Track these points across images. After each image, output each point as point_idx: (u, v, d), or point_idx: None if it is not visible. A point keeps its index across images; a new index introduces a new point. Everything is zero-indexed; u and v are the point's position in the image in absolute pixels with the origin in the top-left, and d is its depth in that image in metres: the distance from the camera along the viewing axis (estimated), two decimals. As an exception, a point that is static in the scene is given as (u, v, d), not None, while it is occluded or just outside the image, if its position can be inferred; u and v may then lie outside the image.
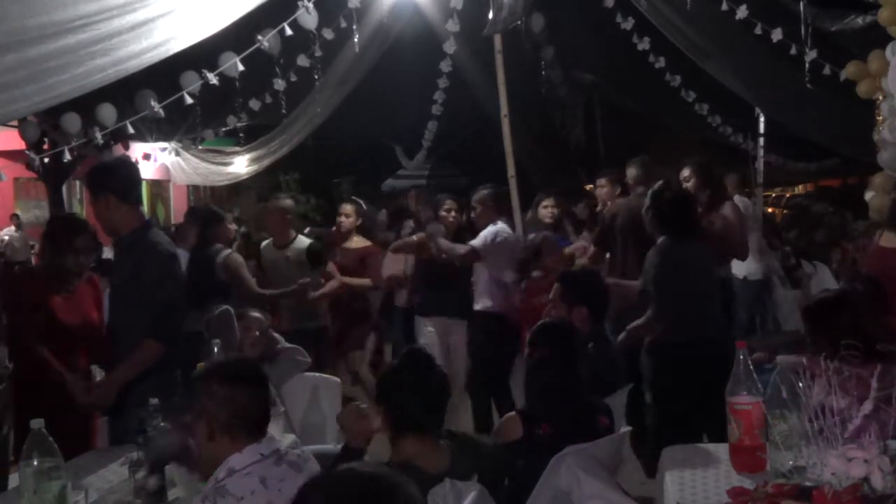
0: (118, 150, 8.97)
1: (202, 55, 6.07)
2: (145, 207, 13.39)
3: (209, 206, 9.45)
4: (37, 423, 2.53)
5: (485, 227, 5.87)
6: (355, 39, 6.83)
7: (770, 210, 14.37)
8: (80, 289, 4.20)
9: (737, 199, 6.42)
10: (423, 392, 2.70)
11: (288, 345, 4.55)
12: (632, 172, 5.95)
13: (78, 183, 12.56)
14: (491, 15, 6.44)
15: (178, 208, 13.54)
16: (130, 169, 4.03)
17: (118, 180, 3.72)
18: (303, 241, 6.15)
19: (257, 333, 4.23)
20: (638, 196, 5.54)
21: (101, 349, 4.04)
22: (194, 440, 2.48)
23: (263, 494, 2.26)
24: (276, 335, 4.55)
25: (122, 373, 3.57)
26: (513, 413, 3.28)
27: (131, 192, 3.77)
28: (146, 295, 3.55)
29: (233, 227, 6.27)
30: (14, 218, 14.20)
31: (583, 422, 3.20)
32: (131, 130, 7.15)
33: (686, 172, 5.75)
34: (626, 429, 3.25)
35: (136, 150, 10.25)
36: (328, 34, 6.87)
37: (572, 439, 2.91)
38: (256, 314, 4.34)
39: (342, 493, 1.47)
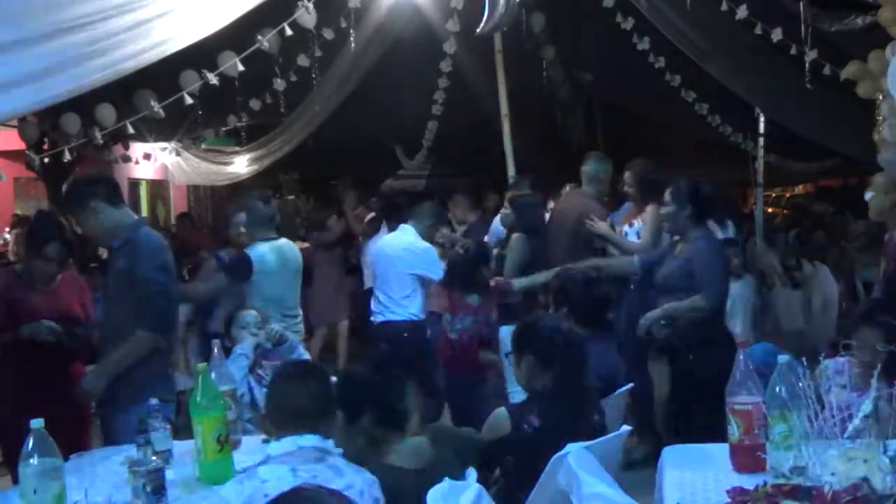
0: (118, 150, 8.96)
1: (202, 55, 6.06)
2: (145, 207, 13.37)
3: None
4: (37, 423, 2.53)
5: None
6: (352, 39, 6.83)
7: (770, 210, 14.40)
8: (62, 285, 4.19)
9: None
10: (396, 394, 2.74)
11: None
12: (627, 176, 5.81)
13: (78, 183, 12.50)
14: (486, 13, 6.40)
15: (178, 208, 13.49)
16: (107, 175, 4.17)
17: (101, 186, 3.78)
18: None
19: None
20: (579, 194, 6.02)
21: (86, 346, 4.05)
22: None
23: (289, 483, 2.27)
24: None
25: (113, 362, 3.58)
26: (501, 408, 3.29)
27: (116, 195, 3.82)
28: (138, 288, 3.58)
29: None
30: (14, 217, 14.14)
31: (571, 417, 3.20)
32: (131, 130, 7.13)
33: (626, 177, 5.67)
34: (626, 428, 3.24)
35: (136, 150, 10.21)
36: (328, 34, 6.87)
37: (560, 434, 2.91)
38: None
39: None
